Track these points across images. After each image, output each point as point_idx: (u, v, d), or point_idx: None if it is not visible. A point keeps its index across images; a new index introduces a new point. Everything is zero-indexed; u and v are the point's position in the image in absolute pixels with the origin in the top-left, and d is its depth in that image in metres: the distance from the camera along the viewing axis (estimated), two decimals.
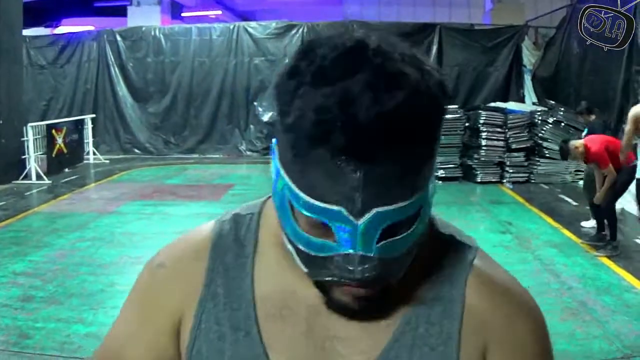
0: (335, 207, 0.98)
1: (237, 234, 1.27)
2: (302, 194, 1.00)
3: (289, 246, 1.09)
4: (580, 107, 11.06)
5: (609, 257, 8.59)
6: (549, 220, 11.03)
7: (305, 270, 1.08)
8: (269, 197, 1.26)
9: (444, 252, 1.23)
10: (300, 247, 1.06)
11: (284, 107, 1.00)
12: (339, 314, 1.14)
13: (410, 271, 1.12)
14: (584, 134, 10.68)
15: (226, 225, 1.29)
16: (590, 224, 10.25)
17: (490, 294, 1.21)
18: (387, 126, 0.93)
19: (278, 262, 1.22)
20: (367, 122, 0.92)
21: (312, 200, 0.99)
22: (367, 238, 0.99)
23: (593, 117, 10.77)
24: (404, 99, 0.94)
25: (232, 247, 1.26)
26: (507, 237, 9.96)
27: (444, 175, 15.05)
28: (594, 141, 8.90)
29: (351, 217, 0.98)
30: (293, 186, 1.02)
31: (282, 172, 1.05)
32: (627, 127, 8.64)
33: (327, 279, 1.05)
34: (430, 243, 1.20)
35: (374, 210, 0.97)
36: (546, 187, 14.27)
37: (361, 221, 0.98)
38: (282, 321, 1.19)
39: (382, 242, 1.00)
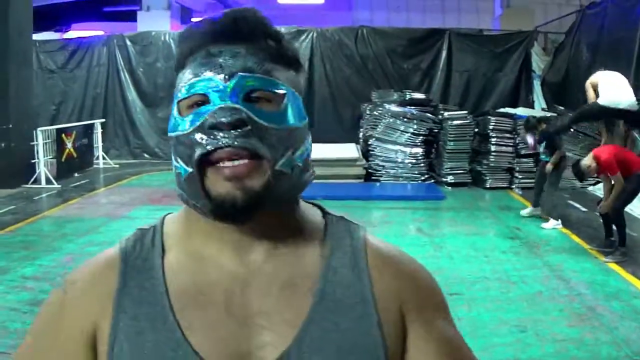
0: (207, 76, 1.20)
1: (143, 243, 1.33)
2: (185, 84, 1.23)
3: (176, 159, 1.25)
4: (530, 122, 11.59)
5: (617, 263, 8.59)
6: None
7: (188, 169, 1.21)
8: (165, 215, 1.42)
9: (339, 227, 1.36)
10: (180, 132, 1.21)
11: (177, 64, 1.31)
12: (226, 216, 1.20)
13: (308, 242, 1.31)
14: (542, 146, 11.35)
15: (131, 239, 1.35)
16: (527, 211, 11.63)
17: (389, 262, 1.32)
18: (240, 21, 1.25)
19: (186, 259, 1.29)
20: (229, 18, 1.25)
21: (191, 80, 1.22)
22: (235, 94, 1.18)
23: (544, 125, 11.43)
24: (253, 10, 1.28)
25: (139, 253, 1.31)
26: (516, 243, 9.95)
27: (453, 181, 15.05)
28: (603, 150, 8.94)
29: (221, 80, 1.19)
30: (179, 88, 1.25)
31: (174, 96, 1.27)
32: (589, 93, 10.26)
33: (202, 149, 1.17)
34: (323, 220, 1.37)
35: (239, 74, 1.19)
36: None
37: (229, 82, 1.19)
38: (200, 308, 1.23)
39: (250, 104, 1.19)
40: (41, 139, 15.16)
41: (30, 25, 15.80)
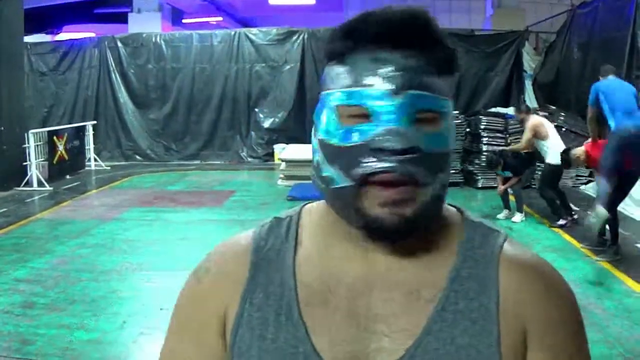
0: (375, 89, 1.14)
1: (278, 233, 1.34)
2: (345, 90, 1.18)
3: (331, 164, 1.20)
4: (493, 162, 11.68)
5: (609, 262, 8.60)
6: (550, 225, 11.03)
7: (345, 182, 1.17)
8: (304, 205, 1.39)
9: (476, 234, 1.30)
10: (338, 143, 1.18)
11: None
12: (378, 237, 1.20)
13: (440, 249, 1.26)
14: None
15: (266, 226, 1.36)
16: (503, 215, 11.72)
17: (523, 274, 1.25)
18: (411, 25, 1.16)
19: (318, 252, 1.29)
20: (398, 18, 1.16)
21: (353, 89, 1.16)
22: (403, 116, 1.13)
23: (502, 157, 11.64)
24: (423, 12, 1.19)
25: (273, 243, 1.32)
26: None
27: None
28: (594, 148, 8.94)
29: (389, 95, 1.13)
30: (336, 89, 1.20)
31: (326, 91, 1.23)
32: (526, 134, 11.06)
33: (366, 169, 1.14)
34: (461, 226, 1.31)
35: (409, 91, 1.14)
36: None
37: (398, 99, 1.13)
38: (324, 305, 1.24)
39: (416, 126, 1.15)
40: (33, 142, 15.15)
41: (21, 27, 15.77)
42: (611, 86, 8.76)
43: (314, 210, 1.36)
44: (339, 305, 1.23)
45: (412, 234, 1.19)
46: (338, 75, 1.20)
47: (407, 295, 1.22)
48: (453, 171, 15.14)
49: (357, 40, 1.17)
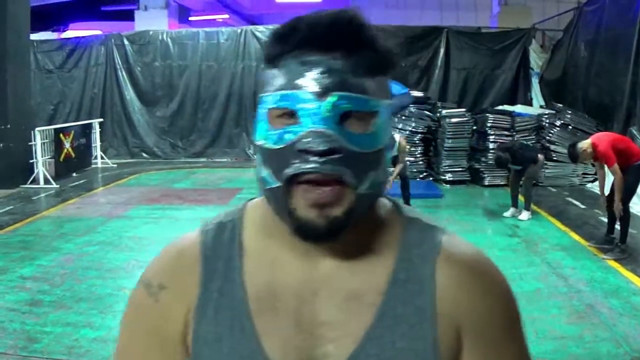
0: (302, 91, 1.16)
1: (222, 240, 1.34)
2: (276, 93, 1.19)
3: (264, 165, 1.22)
4: (502, 160, 11.47)
5: (616, 260, 8.58)
6: (557, 223, 11.02)
7: (275, 183, 1.19)
8: (247, 202, 1.41)
9: (413, 232, 1.31)
10: (270, 145, 1.19)
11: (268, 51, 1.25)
12: (309, 240, 1.20)
13: (379, 251, 1.28)
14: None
15: (210, 233, 1.36)
16: (510, 212, 11.64)
17: (459, 271, 1.26)
18: (338, 28, 1.18)
19: (263, 259, 1.30)
20: (327, 21, 1.18)
21: (283, 92, 1.18)
22: (328, 117, 1.15)
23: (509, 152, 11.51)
24: (352, 14, 1.21)
25: (219, 253, 1.33)
26: (515, 240, 9.95)
27: (451, 178, 15.07)
28: (601, 139, 8.89)
29: (315, 97, 1.15)
30: (270, 92, 1.21)
31: (261, 92, 1.24)
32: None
33: (292, 170, 1.16)
34: (398, 224, 1.32)
35: (334, 94, 1.15)
36: (554, 190, 14.26)
37: (323, 100, 1.15)
38: (274, 313, 1.25)
39: (341, 126, 1.16)
40: (39, 139, 15.18)
41: (27, 25, 15.79)
42: None
43: (258, 207, 1.36)
44: (286, 312, 1.25)
45: (341, 234, 1.19)
46: (272, 78, 1.22)
47: (350, 300, 1.24)
48: (460, 169, 15.16)
49: (289, 43, 1.20)
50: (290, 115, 1.17)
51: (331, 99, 1.15)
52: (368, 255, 1.27)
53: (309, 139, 1.13)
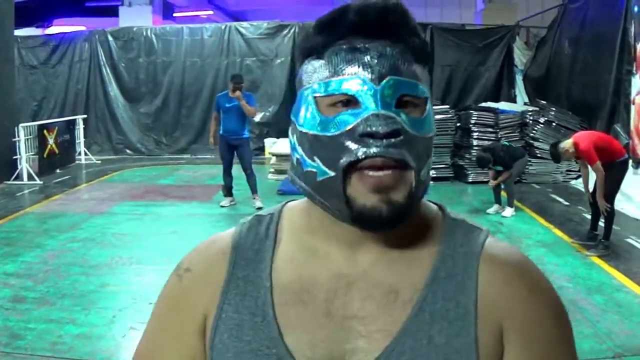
0: (358, 77, 1.16)
1: (258, 231, 1.35)
2: (328, 80, 1.18)
3: (312, 158, 1.20)
4: (484, 161, 11.58)
5: (600, 257, 8.61)
6: (541, 220, 11.06)
7: (330, 173, 1.17)
8: (286, 202, 1.40)
9: (456, 233, 1.30)
10: (325, 133, 1.17)
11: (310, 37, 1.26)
12: (368, 228, 1.19)
13: (420, 248, 1.26)
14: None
15: (247, 224, 1.37)
16: (493, 209, 11.77)
17: (503, 273, 1.24)
18: (388, 15, 1.19)
19: (298, 253, 1.29)
20: (375, 9, 1.18)
21: (336, 78, 1.17)
22: (387, 101, 1.14)
23: (490, 152, 11.69)
24: (397, 2, 1.21)
25: (252, 242, 1.33)
26: (499, 237, 9.91)
27: (435, 175, 15.05)
28: (583, 138, 8.91)
29: (371, 83, 1.15)
30: (320, 81, 1.20)
31: (305, 84, 1.25)
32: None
33: (352, 156, 1.14)
34: (441, 224, 1.31)
35: (389, 77, 1.15)
36: (538, 187, 14.31)
37: (380, 85, 1.14)
38: (301, 305, 1.24)
39: (399, 110, 1.16)
40: (23, 135, 15.14)
41: (11, 21, 15.74)
42: None
43: (296, 208, 1.36)
44: (316, 303, 1.23)
45: (403, 221, 1.17)
46: (316, 69, 1.22)
47: (386, 295, 1.22)
48: (443, 166, 15.18)
49: (336, 32, 1.20)
50: (344, 103, 1.16)
51: (387, 83, 1.15)
52: (409, 251, 1.26)
53: (370, 122, 1.12)
